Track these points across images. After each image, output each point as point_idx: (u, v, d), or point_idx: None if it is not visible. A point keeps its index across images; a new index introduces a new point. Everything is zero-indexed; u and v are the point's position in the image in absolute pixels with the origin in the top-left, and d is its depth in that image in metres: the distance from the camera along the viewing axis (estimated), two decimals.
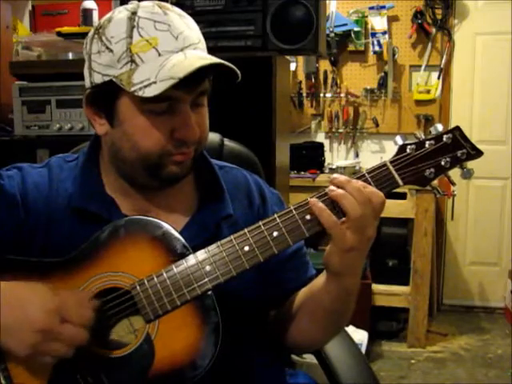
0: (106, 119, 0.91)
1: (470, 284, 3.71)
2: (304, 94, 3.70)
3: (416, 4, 3.49)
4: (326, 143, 3.69)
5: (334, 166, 3.43)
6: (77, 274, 0.85)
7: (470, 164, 0.88)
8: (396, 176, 0.86)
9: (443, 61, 3.51)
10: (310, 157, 3.44)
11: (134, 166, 0.91)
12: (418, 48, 3.56)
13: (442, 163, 0.86)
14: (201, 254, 0.84)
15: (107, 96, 0.89)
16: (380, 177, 0.85)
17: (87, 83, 0.92)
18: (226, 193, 1.01)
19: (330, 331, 1.01)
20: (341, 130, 3.68)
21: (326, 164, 3.54)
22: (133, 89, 0.84)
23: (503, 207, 3.62)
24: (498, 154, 3.46)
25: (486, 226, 3.64)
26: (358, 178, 0.85)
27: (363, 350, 2.65)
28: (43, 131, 2.00)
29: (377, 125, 3.62)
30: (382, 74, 3.57)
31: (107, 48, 0.87)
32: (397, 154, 0.87)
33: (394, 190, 0.87)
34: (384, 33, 3.52)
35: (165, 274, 0.83)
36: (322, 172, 3.43)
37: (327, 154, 3.65)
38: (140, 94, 0.83)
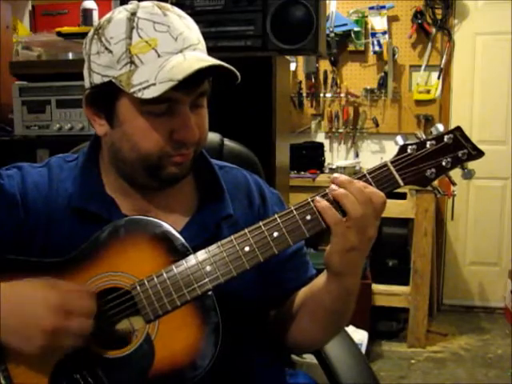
0: (105, 120, 0.91)
1: (470, 284, 3.71)
2: (304, 94, 3.70)
3: (416, 4, 3.49)
4: (326, 143, 3.69)
5: (333, 166, 3.43)
6: (77, 274, 0.85)
7: (470, 164, 0.88)
8: (397, 176, 0.86)
9: (443, 61, 3.52)
10: (309, 157, 3.44)
11: (134, 167, 0.91)
12: (418, 48, 3.56)
13: (443, 163, 0.86)
14: (201, 255, 0.84)
15: (107, 97, 0.89)
16: (381, 177, 0.85)
17: (87, 84, 0.92)
18: (226, 193, 1.01)
19: (330, 331, 1.01)
20: (341, 130, 3.68)
21: (326, 164, 3.54)
22: (132, 90, 0.84)
23: (503, 207, 3.62)
24: (498, 154, 3.46)
25: (486, 226, 3.64)
26: (359, 179, 0.85)
27: (363, 350, 2.65)
28: (43, 131, 2.00)
29: (377, 125, 3.62)
30: (382, 73, 3.57)
31: (106, 49, 0.87)
32: (398, 154, 0.87)
33: (394, 190, 0.87)
34: (384, 33, 3.52)
35: (165, 275, 0.83)
36: (322, 172, 3.44)
37: (327, 154, 3.65)
38: (139, 95, 0.83)
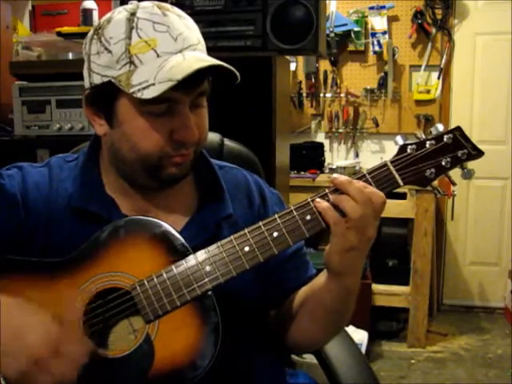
0: (105, 120, 0.91)
1: (470, 284, 3.71)
2: (304, 94, 3.70)
3: (416, 4, 3.49)
4: (326, 143, 3.69)
5: (334, 166, 3.43)
6: (77, 274, 0.85)
7: (470, 164, 0.88)
8: (396, 176, 0.86)
9: (443, 61, 3.52)
10: (310, 157, 3.44)
11: (134, 167, 0.91)
12: (418, 48, 3.56)
13: (443, 163, 0.86)
14: (201, 255, 0.84)
15: (106, 97, 0.89)
16: (380, 177, 0.85)
17: (86, 84, 0.92)
18: (226, 193, 1.01)
19: (330, 331, 1.01)
20: (341, 130, 3.69)
21: (326, 164, 3.54)
22: (132, 90, 0.84)
23: (503, 207, 3.62)
24: (498, 154, 3.46)
25: (486, 226, 3.64)
26: (359, 179, 0.85)
27: (363, 350, 2.65)
28: (43, 131, 2.00)
29: (377, 125, 3.62)
30: (382, 74, 3.57)
31: (106, 49, 0.87)
32: (397, 154, 0.87)
33: (394, 190, 0.87)
34: (384, 33, 3.52)
35: (165, 275, 0.83)
36: (322, 172, 3.44)
37: (327, 154, 3.65)
38: (139, 95, 0.83)
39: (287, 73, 2.23)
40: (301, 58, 3.64)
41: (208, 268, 0.83)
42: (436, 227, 3.42)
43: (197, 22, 0.93)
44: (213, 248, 0.84)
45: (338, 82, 3.65)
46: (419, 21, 3.47)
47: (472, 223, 3.67)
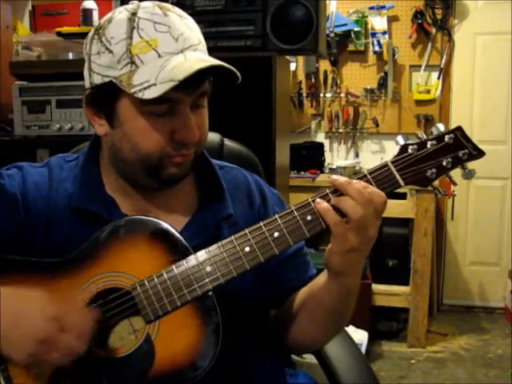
0: (105, 120, 0.91)
1: (470, 284, 3.71)
2: (304, 94, 3.70)
3: (416, 4, 3.49)
4: (326, 143, 3.69)
5: (334, 166, 3.43)
6: (77, 274, 0.85)
7: (470, 164, 0.88)
8: (397, 176, 0.86)
9: (443, 61, 3.52)
10: (310, 157, 3.44)
11: (134, 167, 0.91)
12: (418, 48, 3.56)
13: (444, 163, 0.86)
14: (201, 255, 0.84)
15: (107, 97, 0.89)
16: (381, 177, 0.85)
17: (87, 84, 0.92)
18: (227, 193, 1.01)
19: (330, 331, 1.01)
20: (341, 130, 3.69)
21: (326, 164, 3.54)
22: (133, 90, 0.84)
23: (503, 207, 3.62)
24: (498, 154, 3.46)
25: (486, 226, 3.64)
26: (360, 179, 0.85)
27: (363, 350, 2.65)
28: (43, 131, 2.00)
29: (377, 125, 3.62)
30: (382, 74, 3.57)
31: (107, 49, 0.86)
32: (398, 154, 0.86)
33: (395, 190, 0.87)
34: (384, 33, 3.52)
35: (165, 275, 0.83)
36: (322, 172, 3.44)
37: (327, 154, 3.65)
38: (140, 95, 0.83)
39: (287, 73, 2.23)
40: (301, 58, 3.64)
41: (209, 268, 0.83)
42: (436, 227, 3.42)
43: (197, 22, 0.93)
44: (213, 248, 0.84)
45: (338, 82, 3.65)
46: (419, 21, 3.47)
47: (472, 223, 3.67)
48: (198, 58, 0.86)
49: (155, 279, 0.83)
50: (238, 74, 0.87)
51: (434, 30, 3.50)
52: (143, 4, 0.89)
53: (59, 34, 2.21)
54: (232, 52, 1.80)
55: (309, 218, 0.84)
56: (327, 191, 0.85)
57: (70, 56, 2.26)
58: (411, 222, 3.18)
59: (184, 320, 0.84)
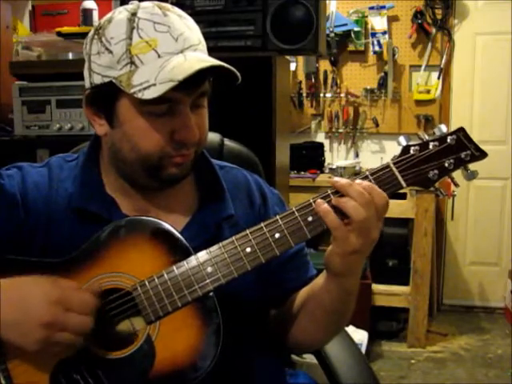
0: (105, 120, 0.91)
1: (470, 284, 3.71)
2: (304, 94, 3.70)
3: (416, 4, 3.49)
4: (326, 143, 3.69)
5: (334, 166, 3.43)
6: (77, 274, 0.85)
7: (471, 165, 0.88)
8: (399, 177, 0.85)
9: (443, 61, 3.52)
10: (310, 157, 3.44)
11: (134, 167, 0.91)
12: (418, 48, 3.56)
13: (446, 165, 0.86)
14: (202, 255, 0.84)
15: (107, 97, 0.89)
16: (383, 178, 0.85)
17: (87, 84, 0.92)
18: (227, 193, 1.01)
19: (330, 331, 1.01)
20: (341, 130, 3.69)
21: (326, 164, 3.55)
22: (132, 90, 0.84)
23: (503, 207, 3.62)
24: (498, 154, 3.46)
25: (486, 226, 3.64)
26: (361, 180, 0.84)
27: (363, 350, 2.65)
28: (43, 131, 2.00)
29: (377, 125, 3.62)
30: (382, 74, 3.57)
31: (107, 49, 0.86)
32: (400, 154, 0.86)
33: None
34: (384, 33, 3.52)
35: (166, 275, 0.83)
36: (322, 172, 3.44)
37: (327, 154, 3.65)
38: (139, 96, 0.83)
39: (287, 73, 2.23)
40: (301, 58, 3.64)
41: (209, 269, 0.83)
42: (436, 227, 3.42)
43: (197, 22, 0.93)
44: (214, 249, 0.84)
45: (338, 81, 3.65)
46: (419, 21, 3.48)
47: (472, 223, 3.67)
48: (198, 58, 0.86)
49: (156, 280, 0.83)
50: (238, 74, 0.87)
51: (433, 30, 3.50)
52: (143, 4, 0.89)
53: (59, 34, 2.21)
54: (232, 52, 1.80)
55: (310, 218, 0.84)
56: (328, 192, 0.84)
57: (70, 56, 2.26)
58: (411, 222, 3.18)
59: (185, 320, 0.84)
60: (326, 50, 3.04)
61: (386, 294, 3.18)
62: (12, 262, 0.86)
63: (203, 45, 0.91)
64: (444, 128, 0.86)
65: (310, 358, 2.12)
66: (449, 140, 0.86)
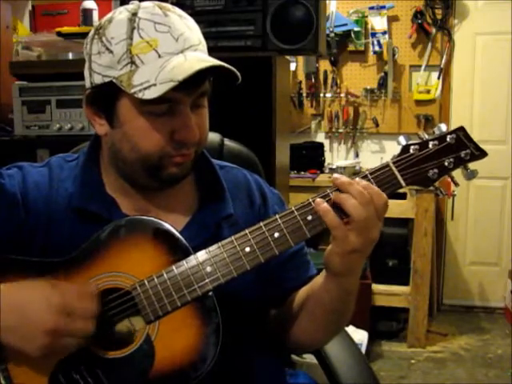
0: (105, 120, 0.91)
1: (470, 284, 3.71)
2: (304, 94, 3.70)
3: (416, 4, 3.49)
4: (326, 143, 3.69)
5: (334, 166, 3.43)
6: (77, 274, 0.85)
7: (471, 164, 0.87)
8: (399, 177, 0.85)
9: (443, 61, 3.52)
10: (310, 157, 3.44)
11: (134, 167, 0.91)
12: (418, 48, 3.56)
13: (446, 164, 0.85)
14: (201, 255, 0.84)
15: (107, 97, 0.89)
16: (382, 177, 0.85)
17: (87, 83, 0.92)
18: (227, 192, 1.01)
19: (330, 330, 1.00)
20: (341, 130, 3.69)
21: (326, 164, 3.55)
22: (133, 90, 0.84)
23: (503, 207, 3.62)
24: (498, 154, 3.46)
25: (486, 226, 3.64)
26: (361, 179, 0.84)
27: (363, 350, 2.65)
28: (43, 131, 2.00)
29: (377, 125, 3.62)
30: (382, 74, 3.57)
31: (107, 49, 0.87)
32: (400, 154, 0.86)
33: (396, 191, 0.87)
34: (384, 33, 3.52)
35: (165, 275, 0.83)
36: (322, 172, 3.44)
37: (327, 154, 3.65)
38: (140, 95, 0.83)
39: (287, 73, 2.23)
40: (301, 58, 3.64)
41: (209, 268, 0.83)
42: (436, 227, 3.42)
43: (197, 22, 0.93)
44: (214, 248, 0.84)
45: (338, 81, 3.65)
46: (419, 21, 3.48)
47: (472, 223, 3.67)
48: (198, 58, 0.86)
49: (155, 279, 0.83)
50: (238, 74, 0.87)
51: (434, 30, 3.50)
52: (143, 4, 0.89)
53: (59, 34, 2.21)
54: (232, 52, 1.80)
55: (309, 218, 0.84)
56: (328, 191, 0.84)
57: (70, 56, 2.26)
58: (411, 222, 3.18)
59: (184, 320, 0.84)
60: (326, 50, 3.04)
61: (386, 294, 3.18)
62: (12, 262, 0.86)
63: (203, 45, 0.91)
64: (444, 127, 0.86)
65: (310, 358, 2.11)
66: (448, 139, 0.86)
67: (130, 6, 0.89)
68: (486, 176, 3.38)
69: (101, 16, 2.19)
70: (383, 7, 3.50)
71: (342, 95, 3.65)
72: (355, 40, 3.54)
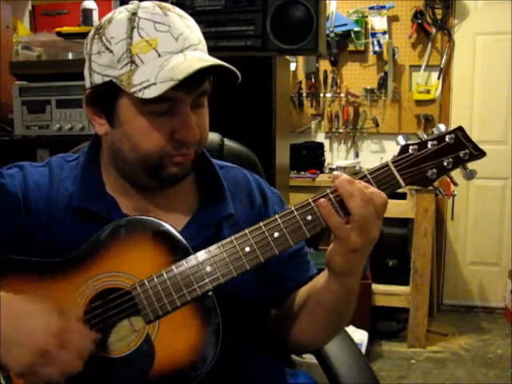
0: (106, 119, 0.91)
1: (470, 284, 3.71)
2: (304, 94, 3.70)
3: (416, 4, 3.49)
4: (326, 143, 3.69)
5: (334, 166, 3.44)
6: (77, 274, 0.85)
7: (471, 164, 0.88)
8: (398, 177, 0.85)
9: (443, 61, 3.52)
10: (310, 157, 3.45)
11: (134, 167, 0.91)
12: (418, 48, 3.56)
13: (445, 164, 0.86)
14: (201, 255, 0.84)
15: (107, 96, 0.89)
16: (382, 177, 0.85)
17: (87, 83, 0.92)
18: (227, 192, 1.01)
19: (330, 330, 1.00)
20: (341, 130, 3.69)
21: (326, 164, 3.55)
22: (133, 90, 0.84)
23: (503, 207, 3.62)
24: (498, 154, 3.46)
25: (486, 226, 3.64)
26: (360, 179, 0.85)
27: (363, 350, 2.65)
28: (43, 131, 2.00)
29: (377, 125, 3.62)
30: (382, 74, 3.57)
31: (107, 48, 0.87)
32: (399, 154, 0.86)
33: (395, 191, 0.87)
34: (384, 33, 3.52)
35: (165, 275, 0.83)
36: (322, 172, 3.44)
37: (327, 154, 3.66)
38: (140, 95, 0.83)
39: (287, 73, 2.23)
40: (301, 58, 3.64)
41: (208, 268, 0.83)
42: (436, 227, 3.42)
43: (197, 22, 0.93)
44: (213, 248, 0.84)
45: (338, 81, 3.65)
46: (419, 21, 3.48)
47: (472, 223, 3.67)
48: (198, 57, 0.86)
49: (155, 279, 0.83)
50: (238, 73, 0.87)
51: (434, 30, 3.50)
52: (143, 4, 0.89)
53: (59, 34, 2.21)
54: (232, 52, 1.80)
55: (309, 218, 0.84)
56: (327, 191, 0.84)
57: (70, 56, 2.26)
58: (411, 222, 3.18)
59: (184, 320, 0.84)
60: (326, 50, 3.05)
61: (386, 294, 3.18)
62: (12, 262, 0.86)
63: (203, 44, 0.91)
64: (443, 127, 0.87)
65: (309, 358, 2.11)
66: (447, 139, 0.86)
67: (130, 6, 0.89)
68: (486, 176, 3.39)
69: (101, 16, 2.19)
70: (383, 7, 3.50)
71: (342, 95, 3.65)
72: (355, 40, 3.54)
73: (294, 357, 2.09)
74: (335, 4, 3.49)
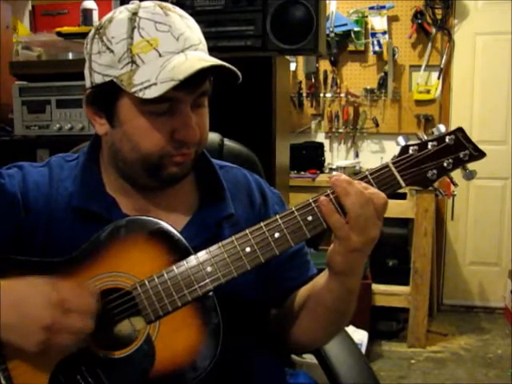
0: (106, 119, 0.91)
1: (470, 284, 3.71)
2: (304, 94, 3.70)
3: (416, 4, 3.49)
4: (326, 143, 3.69)
5: (334, 166, 3.44)
6: (77, 274, 0.85)
7: (471, 164, 0.88)
8: (398, 177, 0.85)
9: (443, 61, 3.52)
10: (310, 157, 3.45)
11: (134, 167, 0.91)
12: (418, 48, 3.56)
13: (445, 164, 0.86)
14: (202, 255, 0.84)
15: (107, 96, 0.89)
16: (382, 178, 0.85)
17: (88, 83, 0.92)
18: (227, 192, 1.01)
19: (330, 330, 1.01)
20: (341, 130, 3.69)
21: (326, 164, 3.55)
22: (133, 90, 0.84)
23: (503, 207, 3.62)
24: (498, 154, 3.46)
25: (486, 226, 3.64)
26: (361, 179, 0.85)
27: (363, 350, 2.65)
28: (43, 131, 2.00)
29: (377, 125, 3.62)
30: (382, 74, 3.57)
31: (108, 48, 0.87)
32: (399, 154, 0.86)
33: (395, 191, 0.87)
34: (384, 33, 3.53)
35: (166, 275, 0.83)
36: (322, 172, 3.44)
37: (327, 154, 3.66)
38: (140, 95, 0.83)
39: (287, 73, 2.23)
40: (301, 58, 3.64)
41: (209, 268, 0.83)
42: (436, 227, 3.42)
43: (197, 22, 0.93)
44: (214, 248, 0.84)
45: (338, 81, 3.65)
46: (419, 21, 3.48)
47: (472, 223, 3.68)
48: (199, 57, 0.86)
49: (156, 279, 0.83)
50: (239, 73, 0.87)
51: (434, 30, 3.50)
52: (144, 4, 0.89)
53: (59, 34, 2.21)
54: (232, 52, 1.80)
55: (310, 218, 0.84)
56: (328, 191, 0.84)
57: (70, 56, 2.26)
58: (411, 222, 3.18)
59: (184, 320, 0.84)
60: (326, 50, 3.05)
61: (386, 294, 3.18)
62: (12, 262, 0.86)
63: (204, 44, 0.91)
64: (443, 128, 0.87)
65: (309, 358, 2.12)
66: (447, 140, 0.86)
67: (131, 6, 0.89)
68: (486, 176, 3.39)
69: (101, 16, 2.19)
70: (383, 7, 3.50)
71: (342, 95, 3.66)
72: (355, 40, 3.54)
73: (293, 357, 2.09)
74: (335, 4, 3.49)
